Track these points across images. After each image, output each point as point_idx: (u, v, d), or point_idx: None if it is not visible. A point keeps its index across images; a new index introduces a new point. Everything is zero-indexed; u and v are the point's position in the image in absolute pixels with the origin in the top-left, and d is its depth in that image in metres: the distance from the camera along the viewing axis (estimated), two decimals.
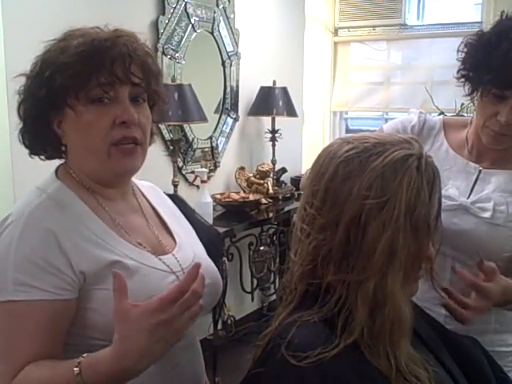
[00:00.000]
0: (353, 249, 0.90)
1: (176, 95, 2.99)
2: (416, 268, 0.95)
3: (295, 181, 4.21)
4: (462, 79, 1.44)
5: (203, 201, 3.18)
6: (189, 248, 1.24)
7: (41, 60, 1.09)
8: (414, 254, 0.91)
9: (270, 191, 3.85)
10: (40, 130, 1.11)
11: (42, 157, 1.17)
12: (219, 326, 3.36)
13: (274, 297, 4.10)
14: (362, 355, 0.89)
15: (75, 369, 0.93)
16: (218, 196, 3.55)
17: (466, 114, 4.58)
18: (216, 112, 3.78)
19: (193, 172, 3.44)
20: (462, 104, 4.06)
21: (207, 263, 1.27)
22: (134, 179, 1.26)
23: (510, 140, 1.42)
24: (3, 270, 1.01)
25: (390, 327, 0.89)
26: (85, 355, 0.94)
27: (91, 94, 1.05)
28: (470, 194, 1.46)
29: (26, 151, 1.16)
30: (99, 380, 0.93)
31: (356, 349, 0.89)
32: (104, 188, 1.15)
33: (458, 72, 1.45)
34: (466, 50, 1.44)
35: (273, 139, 3.98)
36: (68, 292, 1.02)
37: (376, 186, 0.89)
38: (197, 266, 0.94)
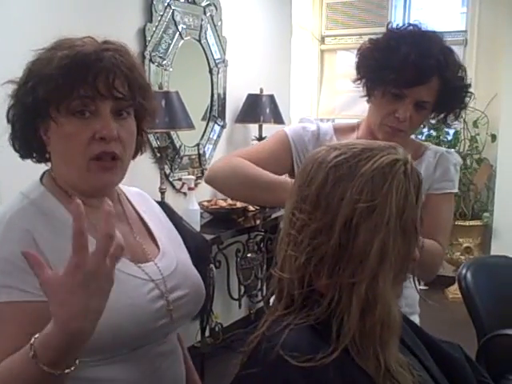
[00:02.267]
0: (344, 252, 0.91)
1: (163, 102, 2.99)
2: (404, 270, 0.96)
3: None
4: (363, 80, 1.58)
5: (190, 208, 3.18)
6: (172, 256, 1.24)
7: (28, 69, 1.09)
8: (403, 256, 0.93)
9: None
10: (27, 136, 1.12)
11: (34, 160, 1.18)
12: (207, 333, 3.36)
13: (261, 304, 4.10)
14: (350, 359, 0.90)
15: (30, 352, 0.89)
16: (206, 203, 3.55)
17: None
18: (203, 119, 3.79)
19: (180, 179, 3.45)
20: None
21: (191, 272, 1.27)
22: (122, 186, 1.26)
23: (404, 135, 1.57)
24: None
25: (380, 327, 0.91)
26: (36, 335, 0.91)
27: (72, 106, 1.05)
28: None
29: (12, 156, 1.17)
30: (54, 355, 0.89)
31: (345, 352, 0.90)
32: (86, 197, 1.14)
33: (358, 73, 1.59)
34: (362, 54, 1.58)
35: None
36: None
37: (367, 190, 0.90)
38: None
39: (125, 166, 1.14)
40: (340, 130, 1.71)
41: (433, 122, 1.69)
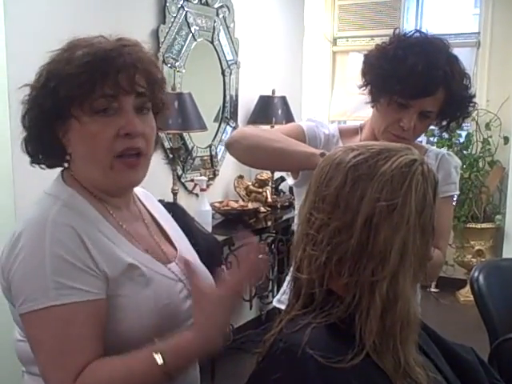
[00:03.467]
0: (365, 250, 0.92)
1: (176, 104, 3.00)
2: (422, 268, 0.98)
3: None
4: (368, 87, 1.60)
5: (202, 209, 3.19)
6: (188, 255, 1.25)
7: (46, 70, 1.09)
8: (421, 254, 0.95)
9: (269, 200, 3.86)
10: (45, 139, 1.11)
11: (43, 166, 1.17)
12: None
13: (272, 305, 4.09)
14: (368, 358, 0.91)
15: (158, 359, 0.97)
16: (217, 204, 3.56)
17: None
18: (215, 120, 3.80)
19: (192, 180, 3.45)
20: None
21: (203, 269, 1.28)
22: None
23: (407, 143, 1.57)
24: (42, 277, 0.99)
25: (400, 324, 0.92)
26: (160, 343, 0.99)
27: (96, 104, 1.05)
28: None
29: (28, 160, 1.16)
30: (184, 362, 1.01)
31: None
32: (109, 197, 1.15)
33: (364, 80, 1.62)
34: (369, 61, 1.60)
35: None
36: (102, 291, 1.03)
37: (386, 190, 0.92)
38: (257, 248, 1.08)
39: (148, 162, 1.15)
40: (345, 133, 1.74)
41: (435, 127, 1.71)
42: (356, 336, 0.91)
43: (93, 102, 1.05)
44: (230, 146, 1.66)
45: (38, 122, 1.10)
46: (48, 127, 1.10)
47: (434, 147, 1.79)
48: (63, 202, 1.09)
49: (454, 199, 1.71)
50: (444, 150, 1.77)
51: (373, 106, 1.64)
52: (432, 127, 1.70)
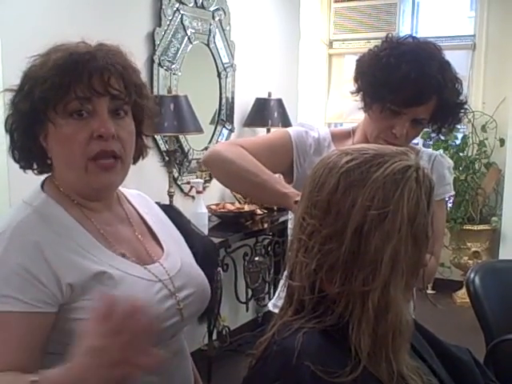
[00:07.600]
0: (356, 259, 0.90)
1: (172, 106, 3.00)
2: (415, 276, 0.96)
3: None
4: (361, 93, 1.60)
5: (198, 211, 3.19)
6: (176, 256, 1.25)
7: (24, 75, 1.10)
8: (413, 263, 0.93)
9: None
10: (27, 144, 1.12)
11: (35, 171, 1.17)
12: (214, 337, 3.36)
13: (268, 307, 4.09)
14: (362, 366, 0.90)
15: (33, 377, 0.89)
16: (214, 207, 3.56)
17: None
18: (211, 123, 3.80)
19: (188, 183, 3.46)
20: None
21: (195, 270, 1.28)
22: (123, 188, 1.27)
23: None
24: None
25: (392, 334, 0.91)
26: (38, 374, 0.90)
27: (69, 107, 1.06)
28: None
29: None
30: None
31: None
32: (88, 201, 1.15)
33: (356, 86, 1.61)
34: (361, 68, 1.59)
35: None
36: (48, 305, 1.01)
37: (378, 197, 0.90)
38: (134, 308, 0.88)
39: (125, 166, 1.14)
40: (337, 136, 1.73)
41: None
42: (351, 347, 0.90)
43: (67, 105, 1.06)
44: (207, 166, 1.69)
45: (19, 125, 1.11)
46: (28, 131, 1.10)
47: (427, 149, 1.80)
48: (34, 208, 1.09)
49: (447, 199, 1.71)
50: (436, 152, 1.77)
51: (365, 112, 1.64)
52: (428, 129, 1.71)
